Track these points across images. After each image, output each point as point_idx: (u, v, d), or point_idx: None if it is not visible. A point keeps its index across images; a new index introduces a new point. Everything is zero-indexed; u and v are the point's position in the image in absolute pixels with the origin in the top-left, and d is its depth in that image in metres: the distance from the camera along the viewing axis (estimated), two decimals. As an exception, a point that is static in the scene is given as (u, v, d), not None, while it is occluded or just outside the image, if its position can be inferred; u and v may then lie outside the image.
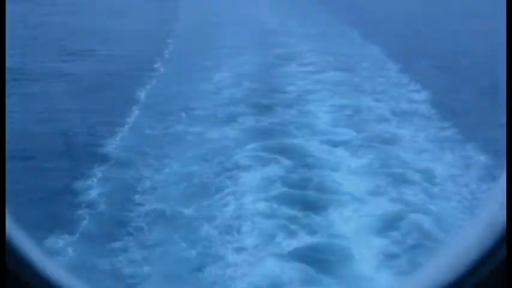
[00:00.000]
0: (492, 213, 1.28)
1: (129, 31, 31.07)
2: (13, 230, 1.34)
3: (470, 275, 1.28)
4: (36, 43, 27.27)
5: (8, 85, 20.33)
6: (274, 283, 9.18)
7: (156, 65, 24.10)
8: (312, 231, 10.67)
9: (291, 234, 10.55)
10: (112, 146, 15.15)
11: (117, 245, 10.10)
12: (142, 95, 19.94)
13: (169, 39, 29.49)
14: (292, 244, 10.17)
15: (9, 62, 22.39)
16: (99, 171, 13.16)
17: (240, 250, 10.16)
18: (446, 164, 15.14)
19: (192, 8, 41.22)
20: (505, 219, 1.25)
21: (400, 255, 10.14)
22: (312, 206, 11.79)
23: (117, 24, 32.81)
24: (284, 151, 15.06)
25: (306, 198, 12.19)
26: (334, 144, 15.87)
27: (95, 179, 12.78)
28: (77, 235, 10.10)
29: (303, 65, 25.58)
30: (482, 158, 15.09)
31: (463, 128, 17.22)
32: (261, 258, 9.76)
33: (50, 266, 1.37)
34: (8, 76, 20.94)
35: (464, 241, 1.32)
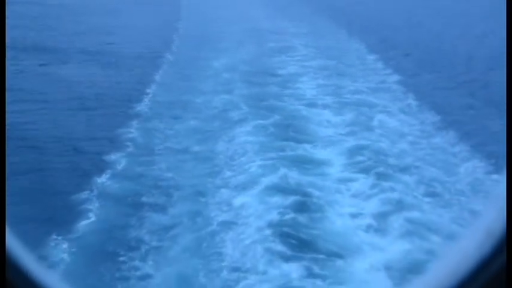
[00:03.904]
0: (491, 219, 1.29)
1: (139, 29, 34.90)
2: (13, 241, 1.33)
3: (470, 281, 1.29)
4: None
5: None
6: (258, 173, 12.88)
7: (166, 55, 27.77)
8: (293, 149, 14.36)
9: (276, 149, 14.27)
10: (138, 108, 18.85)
11: (149, 159, 14.04)
12: (157, 76, 23.61)
13: (175, 36, 33.22)
14: (277, 154, 13.90)
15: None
16: (133, 123, 17.12)
17: (235, 165, 13.80)
18: (406, 121, 18.79)
19: (193, 10, 45.11)
20: (504, 225, 1.27)
21: (363, 161, 13.82)
22: (294, 139, 15.43)
23: (127, 23, 36.72)
24: (273, 110, 18.64)
25: (289, 135, 15.84)
26: (316, 106, 19.47)
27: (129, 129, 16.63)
28: (124, 153, 14.55)
29: (293, 55, 29.22)
30: (434, 118, 18.82)
31: (421, 97, 21.08)
32: (251, 163, 13.48)
33: (48, 277, 1.37)
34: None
35: (464, 248, 1.31)
